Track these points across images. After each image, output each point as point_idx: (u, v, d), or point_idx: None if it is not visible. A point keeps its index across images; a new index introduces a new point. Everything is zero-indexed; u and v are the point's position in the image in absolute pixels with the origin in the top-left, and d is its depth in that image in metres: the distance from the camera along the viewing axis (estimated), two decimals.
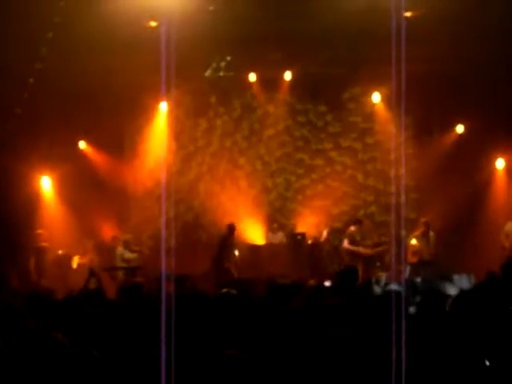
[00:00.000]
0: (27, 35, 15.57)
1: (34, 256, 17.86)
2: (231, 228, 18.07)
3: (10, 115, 17.49)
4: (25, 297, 8.34)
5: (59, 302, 7.03)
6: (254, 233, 20.22)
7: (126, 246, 18.33)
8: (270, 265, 18.20)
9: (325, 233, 19.17)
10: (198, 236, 20.42)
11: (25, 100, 17.67)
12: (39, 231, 18.34)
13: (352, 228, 18.06)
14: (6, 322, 5.40)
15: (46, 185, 19.70)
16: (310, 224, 19.99)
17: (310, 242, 19.34)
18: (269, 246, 19.50)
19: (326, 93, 20.50)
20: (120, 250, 18.34)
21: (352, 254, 17.60)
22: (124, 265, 17.92)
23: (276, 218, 20.39)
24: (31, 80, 17.42)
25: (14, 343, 4.75)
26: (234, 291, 7.09)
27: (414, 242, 17.54)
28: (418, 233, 17.71)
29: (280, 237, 19.63)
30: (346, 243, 17.79)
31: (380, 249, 17.48)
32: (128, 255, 18.15)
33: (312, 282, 14.25)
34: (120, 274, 17.63)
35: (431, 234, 17.84)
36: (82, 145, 20.07)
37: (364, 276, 16.81)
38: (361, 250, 17.59)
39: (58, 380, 3.54)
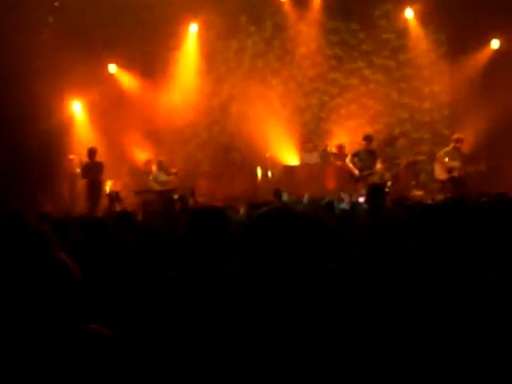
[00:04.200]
0: None
1: (67, 181, 17.98)
2: None
3: (36, 40, 17.39)
4: (53, 221, 8.45)
5: (84, 223, 7.07)
6: (289, 154, 20.14)
7: (161, 168, 18.33)
8: (305, 185, 18.18)
9: None
10: (233, 158, 20.37)
11: (51, 25, 17.60)
12: (71, 156, 18.39)
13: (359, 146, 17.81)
14: (32, 247, 5.46)
15: (77, 109, 19.71)
16: (345, 143, 19.78)
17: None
18: (303, 167, 19.42)
19: (358, 10, 20.08)
20: (155, 172, 18.36)
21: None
22: (159, 187, 17.92)
23: (310, 139, 20.24)
24: (56, 3, 17.33)
25: (35, 267, 4.79)
26: None
27: (446, 159, 17.09)
28: (449, 149, 17.21)
29: (315, 157, 19.52)
30: (347, 159, 17.52)
31: (366, 173, 16.97)
32: (163, 177, 18.14)
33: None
34: (153, 197, 17.55)
35: (463, 150, 17.33)
36: (113, 68, 19.96)
37: (396, 195, 16.67)
38: (354, 171, 17.16)
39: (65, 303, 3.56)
